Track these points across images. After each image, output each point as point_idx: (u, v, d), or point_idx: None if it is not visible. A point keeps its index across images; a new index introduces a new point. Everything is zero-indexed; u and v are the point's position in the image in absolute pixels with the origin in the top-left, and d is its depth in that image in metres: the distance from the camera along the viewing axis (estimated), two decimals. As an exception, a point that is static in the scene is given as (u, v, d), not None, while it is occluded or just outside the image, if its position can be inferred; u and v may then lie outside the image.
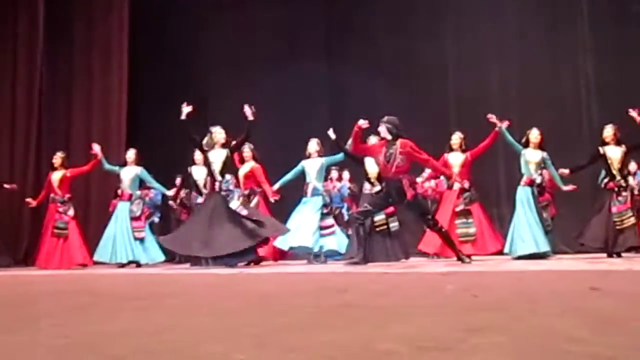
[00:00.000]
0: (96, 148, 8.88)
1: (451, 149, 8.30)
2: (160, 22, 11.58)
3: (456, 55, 10.85)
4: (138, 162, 9.02)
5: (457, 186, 8.08)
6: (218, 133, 7.88)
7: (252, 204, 8.59)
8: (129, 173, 8.94)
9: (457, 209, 8.00)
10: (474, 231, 7.97)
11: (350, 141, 7.32)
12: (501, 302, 2.84)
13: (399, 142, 6.85)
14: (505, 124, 7.92)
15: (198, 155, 8.70)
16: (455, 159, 8.21)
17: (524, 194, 7.93)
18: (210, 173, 7.86)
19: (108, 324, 2.54)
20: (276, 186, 8.50)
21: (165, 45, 11.52)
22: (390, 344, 1.82)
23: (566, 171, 7.90)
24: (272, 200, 8.48)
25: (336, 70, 11.14)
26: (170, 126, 10.61)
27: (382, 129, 6.95)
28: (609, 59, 9.98)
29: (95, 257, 8.90)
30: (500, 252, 8.03)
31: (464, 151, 8.25)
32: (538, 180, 7.94)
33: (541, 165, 7.99)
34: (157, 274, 7.00)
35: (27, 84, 11.56)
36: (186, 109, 7.66)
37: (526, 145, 8.01)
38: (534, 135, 7.98)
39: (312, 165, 8.59)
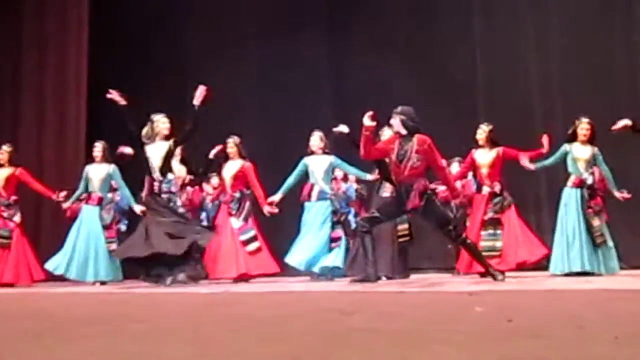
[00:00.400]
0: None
1: (478, 145, 8.19)
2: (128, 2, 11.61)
3: (486, 34, 10.82)
4: (108, 159, 8.95)
5: (486, 190, 8.04)
6: (161, 122, 7.77)
7: (246, 210, 8.65)
8: (99, 172, 8.88)
9: (486, 217, 7.97)
10: (501, 245, 7.92)
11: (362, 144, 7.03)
12: (541, 328, 2.83)
13: (415, 138, 6.76)
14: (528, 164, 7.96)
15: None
16: (483, 158, 8.10)
17: (571, 197, 7.92)
18: (149, 171, 7.71)
19: (64, 353, 2.53)
20: (278, 196, 8.40)
21: (133, 24, 11.52)
22: (407, 378, 1.81)
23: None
24: (266, 212, 8.43)
25: (339, 50, 11.13)
26: (140, 120, 10.70)
27: (396, 122, 6.86)
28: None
29: (49, 266, 8.80)
30: (547, 257, 7.99)
31: (493, 146, 8.12)
32: (589, 180, 7.92)
33: (592, 162, 7.97)
34: (122, 292, 7.00)
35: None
36: (116, 97, 7.59)
37: (573, 138, 7.98)
38: (584, 127, 7.93)
39: (317, 164, 8.59)
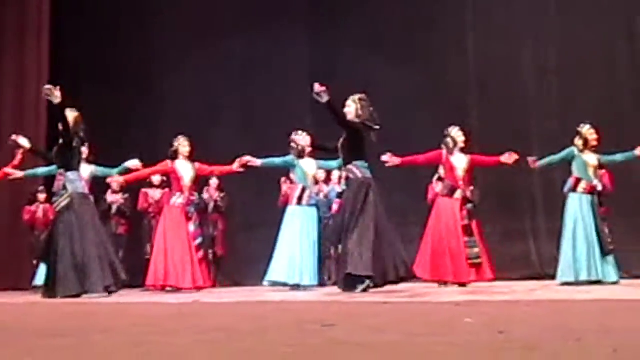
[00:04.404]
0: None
1: (449, 149, 8.31)
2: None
3: (478, 23, 10.85)
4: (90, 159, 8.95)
5: (459, 194, 8.15)
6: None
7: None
8: (85, 172, 8.79)
9: (464, 223, 8.12)
10: (478, 251, 8.08)
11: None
12: (534, 340, 2.84)
13: None
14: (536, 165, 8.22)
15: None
16: (461, 161, 8.26)
17: (582, 203, 8.05)
18: None
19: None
20: (259, 162, 8.49)
21: (99, 13, 11.47)
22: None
23: None
24: (237, 164, 8.52)
25: (322, 48, 11.14)
26: (106, 112, 10.68)
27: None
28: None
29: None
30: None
31: (465, 152, 8.32)
32: (600, 187, 8.12)
33: (598, 169, 8.19)
34: (82, 302, 6.94)
35: None
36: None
37: (583, 145, 8.14)
38: (594, 134, 8.13)
39: (309, 167, 8.67)
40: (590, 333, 3.11)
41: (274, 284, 8.50)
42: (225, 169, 8.85)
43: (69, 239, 7.56)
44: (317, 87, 6.81)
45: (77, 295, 7.32)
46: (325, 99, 6.82)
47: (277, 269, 8.41)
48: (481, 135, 9.75)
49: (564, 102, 10.22)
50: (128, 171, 8.77)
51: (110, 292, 7.50)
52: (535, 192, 10.33)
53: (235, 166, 8.56)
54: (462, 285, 7.88)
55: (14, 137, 8.36)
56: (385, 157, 7.83)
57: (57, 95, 7.52)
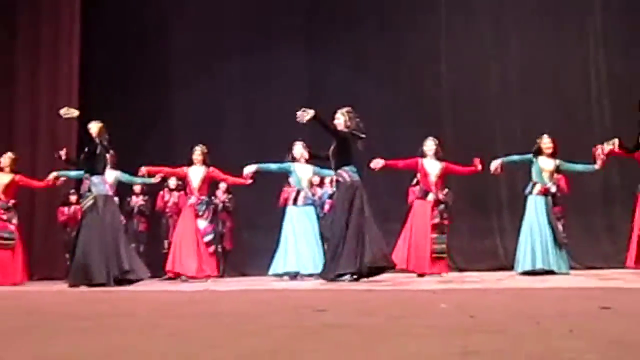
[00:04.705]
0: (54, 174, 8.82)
1: (425, 155, 8.35)
2: (119, 4, 11.47)
3: (450, 50, 10.87)
4: (115, 165, 8.95)
5: (432, 197, 8.17)
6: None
7: (209, 213, 8.70)
8: (109, 177, 8.76)
9: (434, 222, 8.09)
10: (444, 247, 8.23)
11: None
12: (501, 323, 2.83)
13: None
14: (496, 164, 8.12)
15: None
16: (433, 167, 8.28)
17: (537, 203, 8.10)
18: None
19: (52, 347, 2.50)
20: (253, 167, 8.41)
21: (124, 28, 11.42)
22: (375, 369, 1.80)
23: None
24: (248, 181, 8.53)
25: (316, 63, 11.13)
26: (128, 117, 10.67)
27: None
28: (622, 49, 10.09)
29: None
30: None
31: (439, 159, 8.33)
32: (553, 189, 8.14)
33: (554, 173, 8.18)
34: (105, 290, 6.91)
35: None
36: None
37: (538, 153, 8.18)
38: (547, 142, 8.16)
39: (303, 171, 8.64)
40: (549, 316, 3.10)
41: (277, 275, 8.48)
42: (238, 180, 8.80)
43: (90, 234, 7.55)
44: (299, 114, 6.86)
45: (89, 285, 7.29)
46: (310, 115, 6.84)
47: (279, 263, 8.40)
48: (453, 144, 9.79)
49: (525, 112, 10.27)
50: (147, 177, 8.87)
51: (122, 283, 7.46)
52: (501, 194, 10.35)
53: (248, 182, 8.56)
54: (421, 275, 7.98)
55: (63, 153, 8.41)
56: (372, 164, 7.86)
57: (73, 112, 7.55)
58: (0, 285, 8.51)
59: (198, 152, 8.79)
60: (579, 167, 8.31)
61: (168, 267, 8.79)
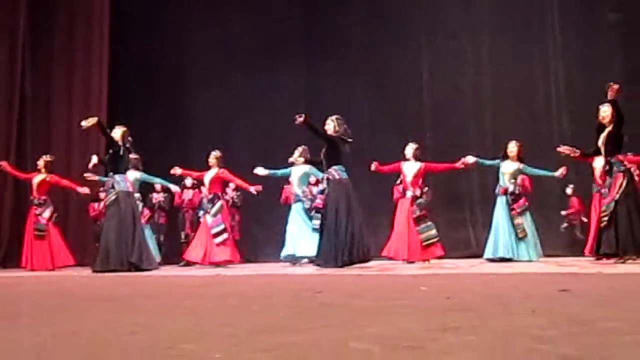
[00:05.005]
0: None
1: (406, 158, 8.36)
2: (143, 24, 11.43)
3: (430, 67, 10.84)
4: (139, 167, 9.06)
5: (409, 194, 8.21)
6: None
7: (216, 209, 8.66)
8: (131, 176, 8.67)
9: (414, 216, 8.10)
10: (435, 232, 8.07)
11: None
12: (473, 304, 2.84)
13: None
14: (471, 160, 8.02)
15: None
16: (409, 169, 8.30)
17: (499, 202, 8.29)
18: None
19: (83, 324, 2.50)
20: (265, 171, 8.52)
21: (146, 51, 11.39)
22: (364, 343, 1.81)
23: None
24: (254, 191, 8.65)
25: (314, 78, 11.09)
26: (150, 125, 10.69)
27: None
28: (577, 66, 10.11)
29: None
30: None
31: (419, 161, 8.31)
32: (511, 188, 8.20)
33: (515, 175, 8.25)
34: (128, 275, 6.91)
35: (7, 83, 11.33)
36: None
37: (505, 157, 8.26)
38: (510, 148, 8.26)
39: (295, 172, 8.70)
40: (515, 298, 3.11)
41: (284, 258, 8.63)
42: (243, 185, 8.87)
43: (111, 226, 7.56)
44: (297, 117, 6.90)
45: (111, 270, 7.26)
46: (302, 119, 6.88)
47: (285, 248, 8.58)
48: (433, 149, 9.80)
49: (495, 121, 10.28)
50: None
51: (139, 270, 7.42)
52: (473, 192, 10.35)
53: (251, 189, 8.70)
54: (411, 262, 7.92)
55: (94, 158, 8.39)
56: (372, 167, 8.00)
57: (91, 121, 7.55)
58: (36, 271, 8.51)
59: (212, 156, 8.87)
60: (542, 172, 8.31)
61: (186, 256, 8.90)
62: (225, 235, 8.71)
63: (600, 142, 6.66)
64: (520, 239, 8.09)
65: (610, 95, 6.44)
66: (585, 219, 9.34)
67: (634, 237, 6.28)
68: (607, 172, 6.61)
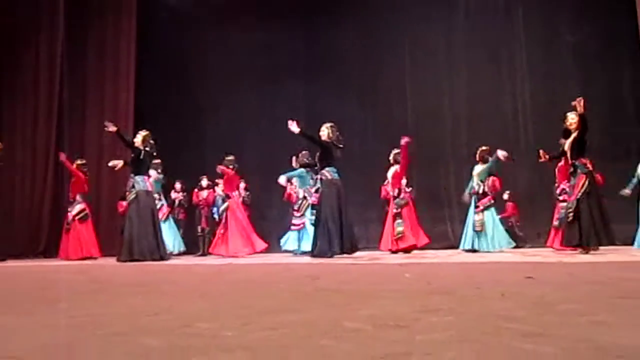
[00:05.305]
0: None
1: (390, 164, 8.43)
2: (166, 46, 11.39)
3: (413, 81, 10.81)
4: (159, 170, 9.12)
5: (391, 194, 8.27)
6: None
7: (223, 207, 8.65)
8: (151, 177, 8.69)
9: (394, 212, 8.12)
10: (402, 230, 8.06)
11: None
12: (451, 288, 2.85)
13: None
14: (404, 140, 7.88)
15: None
16: (390, 172, 8.39)
17: (473, 200, 8.29)
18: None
19: (113, 307, 2.50)
20: (284, 178, 8.52)
21: (168, 69, 11.36)
22: (357, 322, 1.81)
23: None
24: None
25: (312, 90, 11.08)
26: (173, 132, 10.67)
27: None
28: (541, 82, 10.12)
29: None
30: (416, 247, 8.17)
31: (395, 164, 8.34)
32: (475, 188, 8.27)
33: (481, 175, 8.23)
34: (152, 264, 6.90)
35: (47, 91, 11.30)
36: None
37: (477, 160, 8.32)
38: (478, 152, 8.33)
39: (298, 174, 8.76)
40: (487, 283, 3.12)
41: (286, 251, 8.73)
42: (227, 190, 8.87)
43: (132, 221, 7.56)
44: (290, 123, 6.87)
45: (132, 260, 7.26)
46: (296, 130, 6.88)
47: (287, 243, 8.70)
48: (415, 154, 9.69)
49: (469, 130, 10.25)
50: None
51: (155, 259, 7.42)
52: (450, 191, 10.35)
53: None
54: (394, 252, 7.92)
55: (120, 162, 8.32)
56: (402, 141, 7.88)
57: (111, 127, 7.55)
58: (67, 260, 8.51)
59: (226, 160, 8.80)
60: (491, 164, 8.14)
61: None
62: None
63: (566, 147, 6.65)
64: (478, 232, 8.03)
65: (580, 109, 6.38)
66: (518, 223, 9.33)
67: (596, 230, 6.28)
68: (572, 173, 6.60)
